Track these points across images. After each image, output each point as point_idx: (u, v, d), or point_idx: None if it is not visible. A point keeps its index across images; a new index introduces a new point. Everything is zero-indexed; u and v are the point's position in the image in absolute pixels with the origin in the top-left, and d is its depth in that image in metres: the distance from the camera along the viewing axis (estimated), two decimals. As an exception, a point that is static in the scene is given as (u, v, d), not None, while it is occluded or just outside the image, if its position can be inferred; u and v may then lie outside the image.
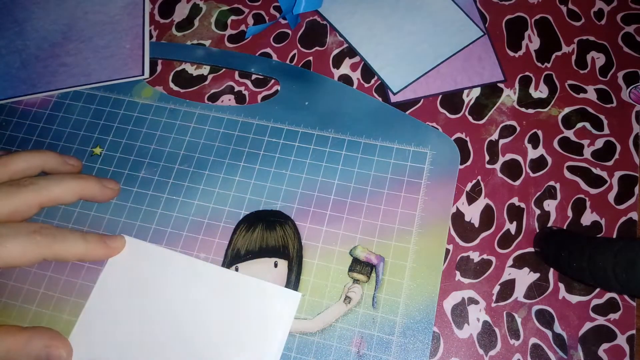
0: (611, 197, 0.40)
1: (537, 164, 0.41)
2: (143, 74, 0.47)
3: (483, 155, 0.42)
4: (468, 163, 0.41)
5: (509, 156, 0.41)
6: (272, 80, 0.46)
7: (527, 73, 0.45)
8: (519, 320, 0.36)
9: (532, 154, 0.41)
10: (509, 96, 0.44)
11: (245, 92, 0.46)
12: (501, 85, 0.44)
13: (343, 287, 0.37)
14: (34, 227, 0.35)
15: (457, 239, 0.39)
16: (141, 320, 0.36)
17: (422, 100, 0.44)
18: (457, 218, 0.40)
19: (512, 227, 0.39)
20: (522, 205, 0.40)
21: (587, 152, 0.41)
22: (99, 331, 0.36)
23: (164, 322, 0.36)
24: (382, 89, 0.45)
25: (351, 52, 0.47)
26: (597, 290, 0.37)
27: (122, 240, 0.38)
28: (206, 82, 0.47)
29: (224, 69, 0.47)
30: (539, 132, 0.42)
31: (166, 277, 0.37)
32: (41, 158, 0.39)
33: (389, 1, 0.48)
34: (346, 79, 0.46)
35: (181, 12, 0.51)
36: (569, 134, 0.42)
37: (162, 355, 0.35)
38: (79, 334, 0.36)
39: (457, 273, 0.38)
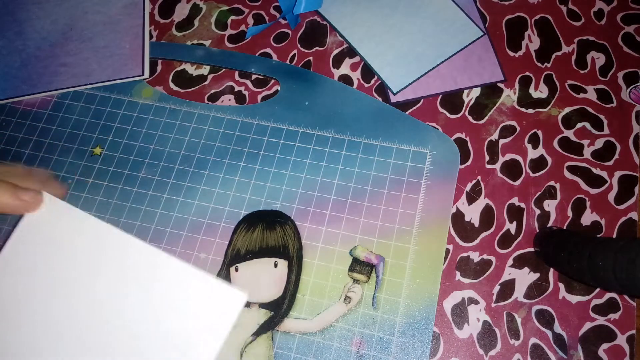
0: (611, 197, 0.40)
1: (537, 164, 0.41)
2: (143, 74, 0.47)
3: (483, 155, 0.42)
4: (468, 163, 0.41)
5: (509, 156, 0.41)
6: (272, 80, 0.46)
7: (527, 73, 0.45)
8: (519, 320, 0.36)
9: (532, 154, 0.41)
10: (509, 96, 0.44)
11: (245, 92, 0.46)
12: (501, 85, 0.44)
13: (343, 287, 0.37)
14: None
15: (457, 239, 0.39)
16: (53, 295, 0.31)
17: (422, 100, 0.44)
18: (457, 218, 0.40)
19: (512, 227, 0.39)
20: (522, 205, 0.40)
21: (587, 152, 0.41)
22: (5, 294, 0.31)
23: (80, 301, 0.31)
24: (382, 89, 0.45)
25: (351, 52, 0.47)
26: (597, 290, 0.37)
27: (35, 195, 0.33)
28: (206, 82, 0.47)
29: (224, 69, 0.47)
30: (539, 132, 0.42)
31: (90, 250, 0.32)
32: None
33: (389, 1, 0.48)
34: (346, 79, 0.46)
35: (181, 12, 0.51)
36: (569, 134, 0.42)
37: (75, 341, 0.30)
38: None
39: (457, 273, 0.38)
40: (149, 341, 0.30)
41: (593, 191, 0.40)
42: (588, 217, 0.39)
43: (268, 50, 0.48)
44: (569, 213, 0.39)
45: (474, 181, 0.41)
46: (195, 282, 0.31)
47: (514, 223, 0.39)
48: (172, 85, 0.47)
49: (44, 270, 0.32)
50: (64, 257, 0.32)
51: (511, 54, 0.46)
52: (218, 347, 0.29)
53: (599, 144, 0.41)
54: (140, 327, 0.30)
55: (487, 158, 0.42)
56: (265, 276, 0.38)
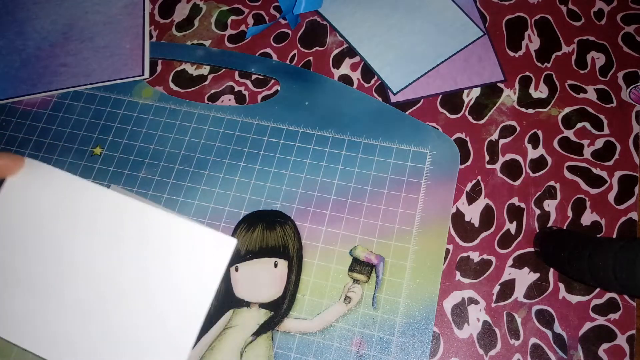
0: (611, 197, 0.40)
1: (537, 164, 0.41)
2: (143, 74, 0.47)
3: (483, 155, 0.42)
4: (468, 163, 0.41)
5: (509, 156, 0.41)
6: (272, 80, 0.46)
7: (527, 73, 0.45)
8: (519, 320, 0.36)
9: (532, 154, 0.41)
10: (509, 96, 0.44)
11: (245, 92, 0.46)
12: (501, 85, 0.44)
13: (343, 287, 0.37)
14: None
15: (457, 239, 0.39)
16: (41, 257, 0.31)
17: (422, 100, 0.44)
18: (457, 218, 0.40)
19: (512, 227, 0.39)
20: (522, 205, 0.40)
21: (587, 152, 0.41)
22: None
23: (70, 260, 0.31)
24: (382, 89, 0.45)
25: (351, 52, 0.47)
26: (597, 290, 0.37)
27: (13, 155, 0.31)
28: (206, 82, 0.47)
29: (224, 69, 0.47)
30: (539, 132, 0.42)
31: (77, 211, 0.31)
32: None
33: (389, 1, 0.48)
34: (346, 79, 0.46)
35: (181, 12, 0.51)
36: (569, 134, 0.42)
37: (68, 307, 0.30)
38: None
39: (457, 273, 0.38)
40: (140, 294, 0.30)
41: (593, 191, 0.40)
42: (588, 217, 0.39)
43: (268, 50, 0.48)
44: (569, 213, 0.39)
45: (474, 181, 0.41)
46: (183, 231, 0.31)
47: (514, 223, 0.39)
48: (172, 85, 0.47)
49: (31, 233, 0.32)
50: (50, 217, 0.32)
51: (511, 54, 0.46)
52: (212, 295, 0.29)
53: (599, 144, 0.41)
54: (131, 280, 0.30)
55: (487, 158, 0.42)
56: (265, 276, 0.38)
